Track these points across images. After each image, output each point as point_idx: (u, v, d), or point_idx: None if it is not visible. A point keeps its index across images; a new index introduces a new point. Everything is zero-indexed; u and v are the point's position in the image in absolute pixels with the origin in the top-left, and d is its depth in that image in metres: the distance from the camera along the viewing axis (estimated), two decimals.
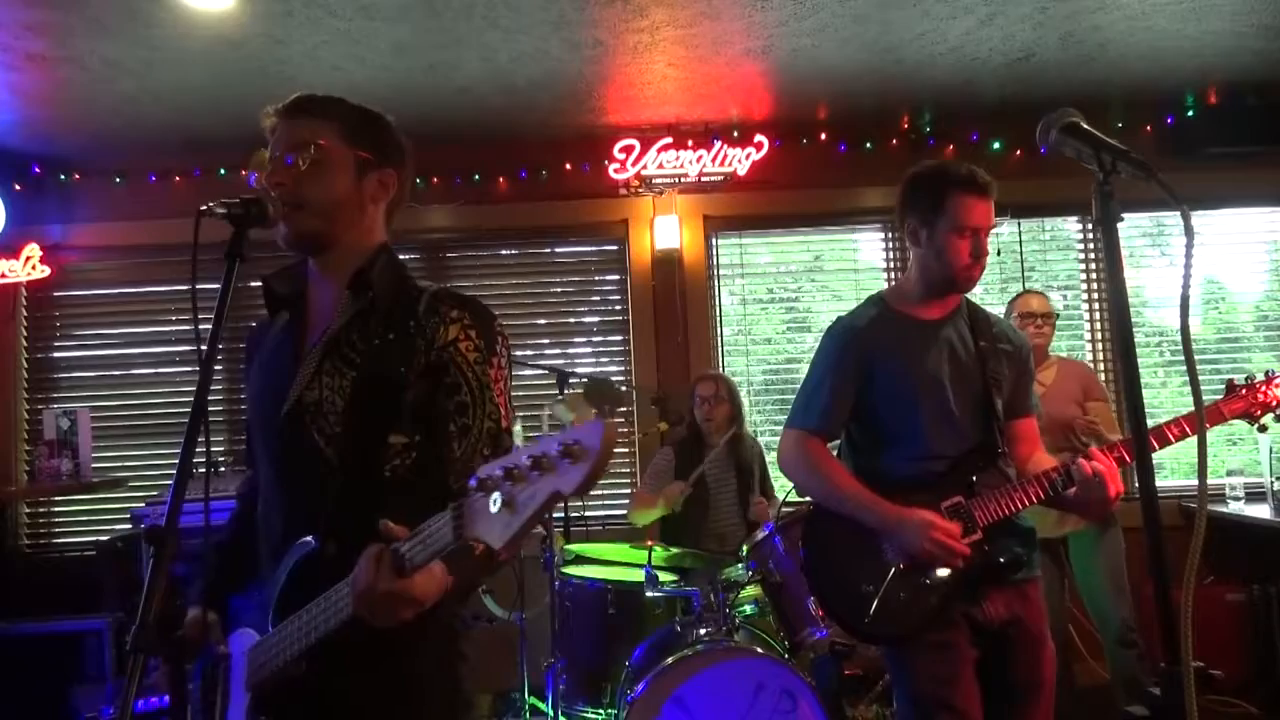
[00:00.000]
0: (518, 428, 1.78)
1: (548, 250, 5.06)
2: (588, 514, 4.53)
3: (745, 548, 3.35)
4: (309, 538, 1.43)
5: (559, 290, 5.02)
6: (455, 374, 1.47)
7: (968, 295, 2.44)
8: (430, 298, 1.52)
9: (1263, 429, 2.29)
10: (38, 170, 4.76)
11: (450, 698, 1.52)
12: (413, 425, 1.48)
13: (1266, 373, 2.27)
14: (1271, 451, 4.20)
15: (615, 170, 4.70)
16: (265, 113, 1.59)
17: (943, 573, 2.17)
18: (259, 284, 1.63)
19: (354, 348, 1.50)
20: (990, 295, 4.96)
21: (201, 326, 1.34)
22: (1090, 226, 4.89)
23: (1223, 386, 2.29)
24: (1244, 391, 2.25)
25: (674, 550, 3.50)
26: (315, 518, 1.45)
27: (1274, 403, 2.24)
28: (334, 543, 1.40)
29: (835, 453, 2.44)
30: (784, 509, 3.25)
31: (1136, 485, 1.35)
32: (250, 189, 1.47)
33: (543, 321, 5.02)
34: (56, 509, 4.85)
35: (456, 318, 1.50)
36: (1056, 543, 3.69)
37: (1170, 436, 2.21)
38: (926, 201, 2.29)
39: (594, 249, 5.04)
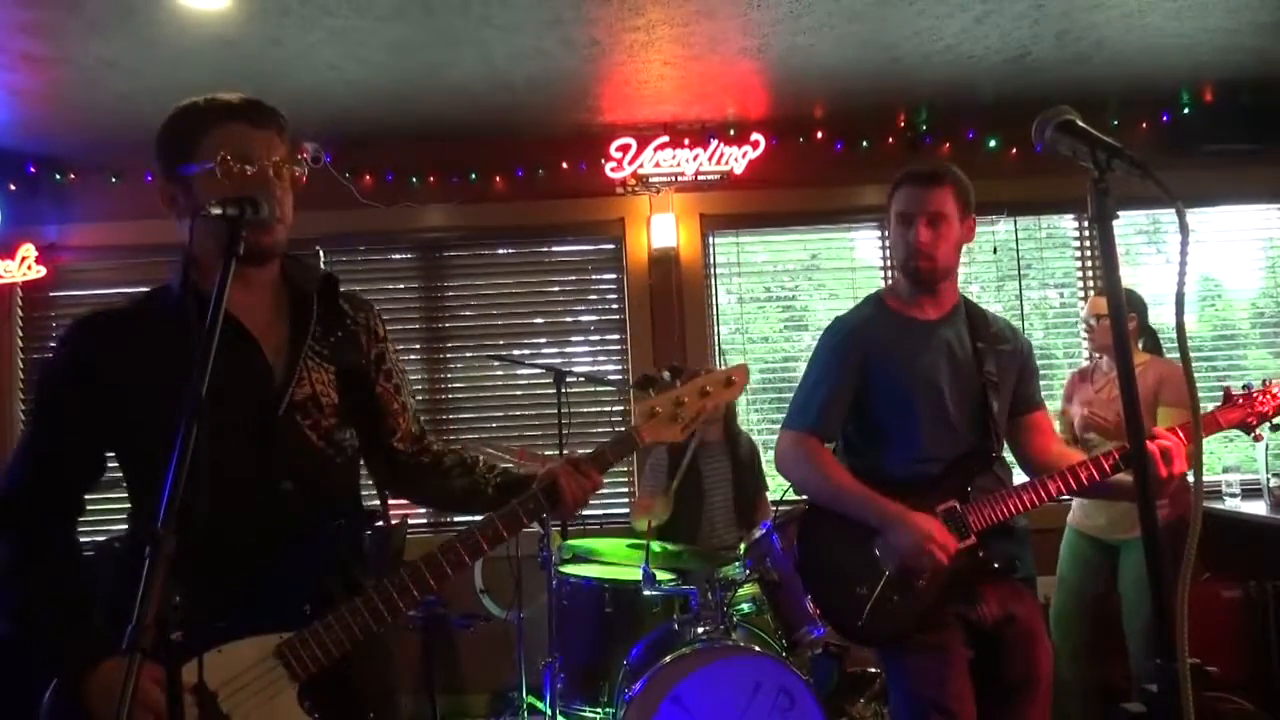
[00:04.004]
0: None
1: (544, 249, 5.05)
2: (585, 512, 4.52)
3: (743, 546, 3.35)
4: (337, 520, 1.57)
5: (556, 289, 5.02)
6: (389, 362, 1.74)
7: (966, 295, 2.44)
8: (347, 298, 1.71)
9: (1258, 439, 2.28)
10: (33, 170, 4.75)
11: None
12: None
13: (1264, 382, 2.25)
14: (1267, 449, 4.20)
15: (612, 169, 4.70)
16: (225, 104, 1.54)
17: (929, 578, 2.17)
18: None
19: (320, 345, 1.63)
20: (987, 293, 4.98)
21: None
22: (1086, 224, 4.90)
23: (1219, 384, 2.28)
24: (1241, 401, 2.23)
25: (672, 548, 3.50)
26: (321, 505, 1.56)
27: (1270, 412, 2.22)
28: (380, 510, 1.66)
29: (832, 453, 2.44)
30: (781, 507, 3.25)
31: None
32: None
33: (539, 320, 5.02)
34: None
35: (375, 313, 1.76)
36: (1112, 547, 3.59)
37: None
38: (888, 201, 2.37)
39: (591, 248, 5.03)
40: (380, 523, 1.65)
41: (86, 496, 1.61)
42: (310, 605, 1.51)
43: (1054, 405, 4.29)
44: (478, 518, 1.65)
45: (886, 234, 4.95)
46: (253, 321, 1.56)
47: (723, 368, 1.80)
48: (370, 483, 1.79)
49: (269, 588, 1.51)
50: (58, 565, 1.53)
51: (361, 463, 1.75)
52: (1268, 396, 2.22)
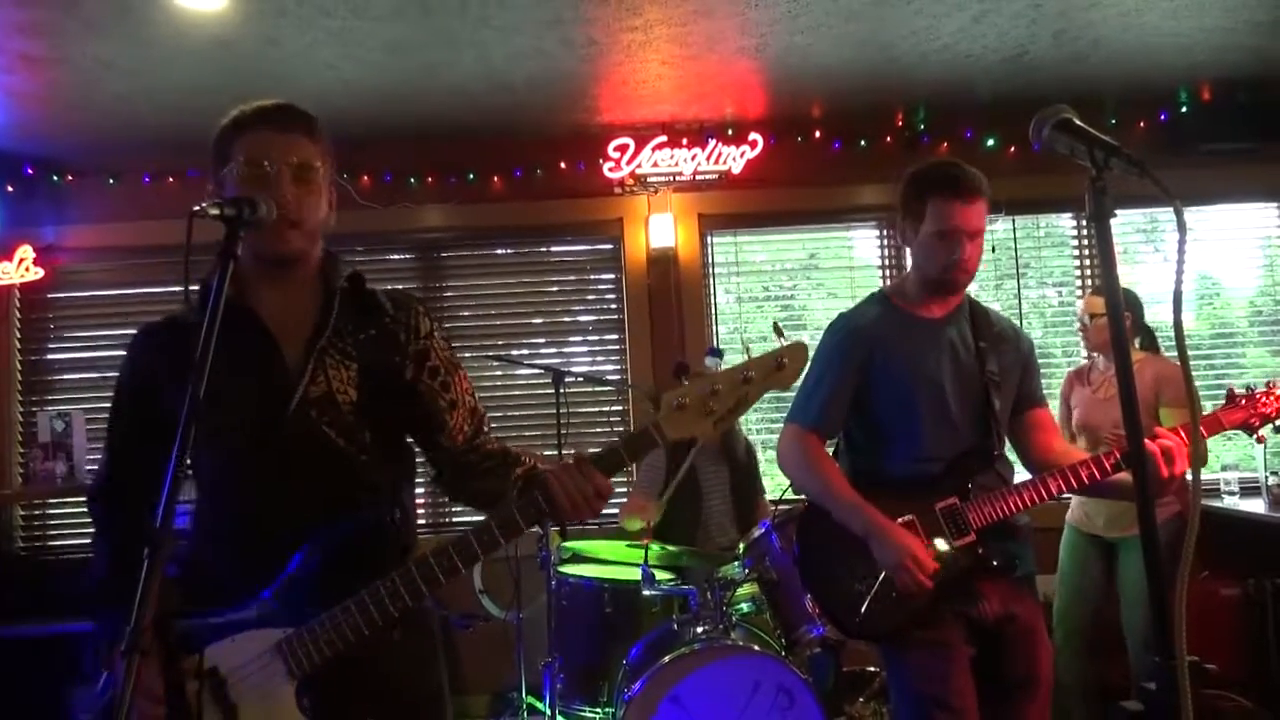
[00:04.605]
0: None
1: (543, 249, 5.05)
2: None
3: (742, 545, 3.35)
4: (345, 518, 1.55)
5: (554, 289, 5.02)
6: (435, 359, 1.71)
7: (968, 293, 2.44)
8: (390, 296, 1.72)
9: (1260, 440, 2.28)
10: (30, 171, 4.74)
11: (444, 664, 1.75)
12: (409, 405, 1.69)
13: (1267, 383, 2.25)
14: (1266, 447, 4.20)
15: (610, 169, 4.70)
16: (257, 109, 1.60)
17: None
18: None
19: (344, 343, 1.62)
20: (985, 293, 4.97)
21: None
22: (1084, 223, 4.90)
23: (1217, 382, 2.28)
24: (1244, 401, 2.23)
25: (671, 548, 3.50)
26: (337, 503, 1.55)
27: (1273, 413, 2.21)
28: (398, 511, 1.64)
29: (834, 450, 2.44)
30: (780, 507, 3.25)
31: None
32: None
33: (538, 321, 5.02)
34: (51, 512, 4.84)
35: (423, 312, 1.74)
36: (1111, 545, 3.58)
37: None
38: (913, 203, 2.31)
39: (589, 248, 5.03)
40: (389, 518, 1.63)
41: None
42: (312, 602, 1.51)
43: (1052, 406, 4.29)
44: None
45: (887, 232, 4.95)
46: (279, 321, 1.60)
47: (771, 349, 1.57)
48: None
49: (274, 582, 1.52)
50: (113, 555, 1.64)
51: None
52: (1270, 398, 2.22)
